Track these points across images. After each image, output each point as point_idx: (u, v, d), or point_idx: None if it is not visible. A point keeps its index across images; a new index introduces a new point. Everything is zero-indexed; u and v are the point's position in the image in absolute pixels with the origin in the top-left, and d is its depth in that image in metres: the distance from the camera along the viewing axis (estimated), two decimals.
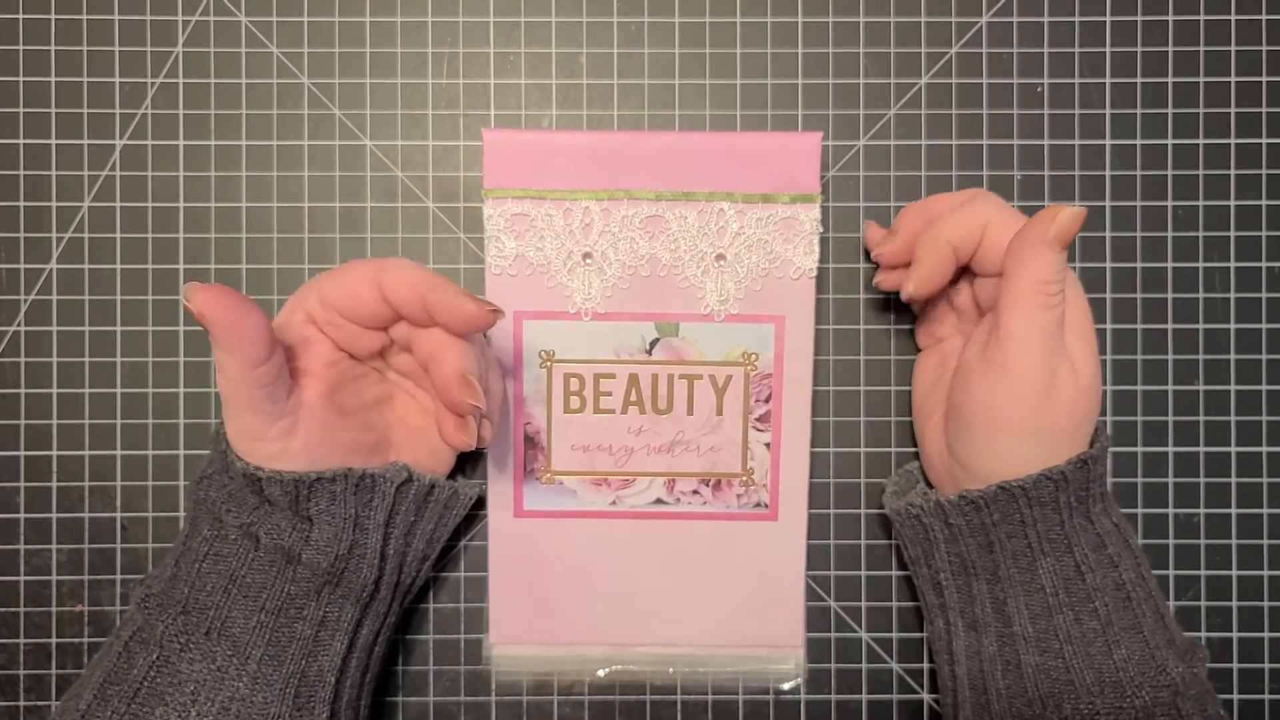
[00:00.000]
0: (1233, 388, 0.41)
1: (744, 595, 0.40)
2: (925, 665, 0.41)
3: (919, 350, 0.40)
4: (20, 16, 0.40)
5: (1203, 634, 0.41)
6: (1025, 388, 0.33)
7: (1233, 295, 0.41)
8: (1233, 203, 0.41)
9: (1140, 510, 0.41)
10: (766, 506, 0.40)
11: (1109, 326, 0.41)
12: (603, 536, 0.40)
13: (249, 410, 0.32)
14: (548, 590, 0.40)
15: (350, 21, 0.40)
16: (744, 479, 0.40)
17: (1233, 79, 0.40)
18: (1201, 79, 0.40)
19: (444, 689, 0.41)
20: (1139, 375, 0.41)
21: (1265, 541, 0.41)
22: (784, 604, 0.40)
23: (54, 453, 0.41)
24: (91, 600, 0.41)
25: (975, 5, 0.40)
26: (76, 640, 0.41)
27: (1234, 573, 0.41)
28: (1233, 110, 0.40)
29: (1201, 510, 0.41)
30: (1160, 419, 0.41)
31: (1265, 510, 0.41)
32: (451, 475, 0.39)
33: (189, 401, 0.41)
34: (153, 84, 0.40)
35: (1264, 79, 0.40)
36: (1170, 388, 0.41)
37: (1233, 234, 0.41)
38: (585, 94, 0.41)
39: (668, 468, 0.39)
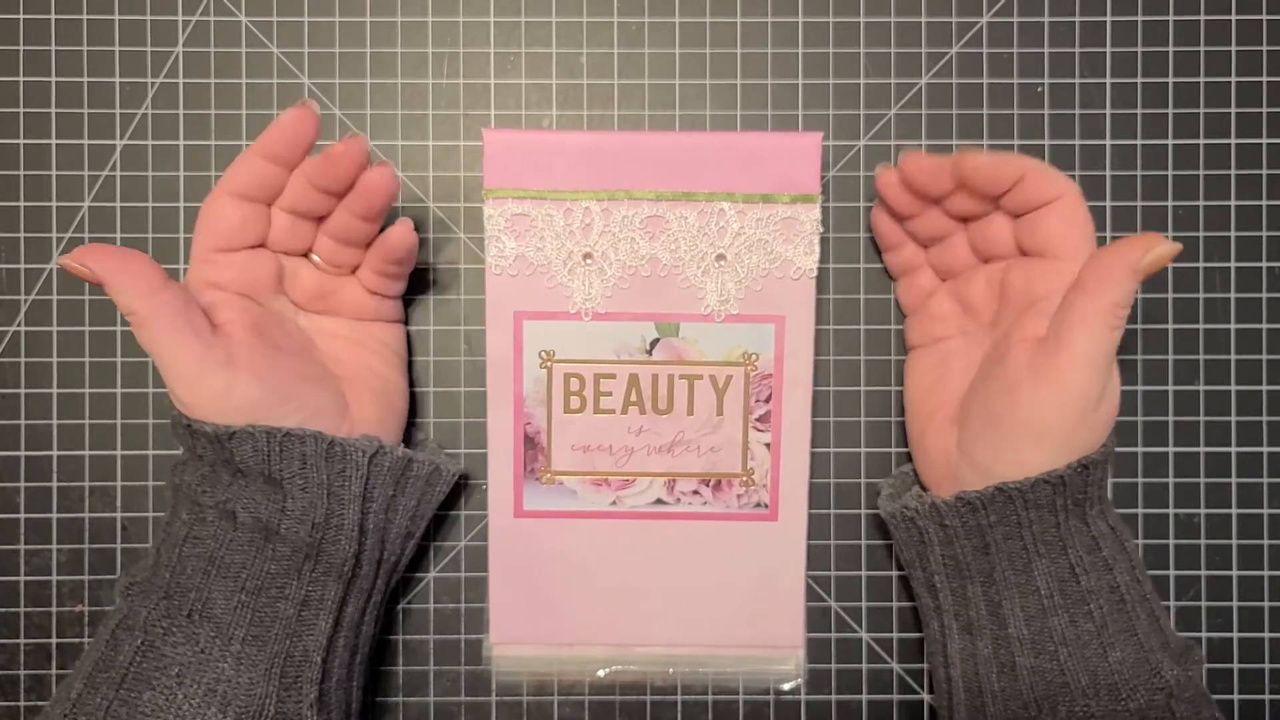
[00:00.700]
0: (1233, 388, 0.41)
1: (744, 595, 0.40)
2: (925, 665, 0.41)
3: (909, 348, 0.40)
4: (20, 17, 0.40)
5: (1203, 634, 0.41)
6: (1079, 405, 0.33)
7: (1233, 295, 0.41)
8: (1233, 203, 0.41)
9: (1140, 510, 0.41)
10: (767, 507, 0.40)
11: None
12: (603, 537, 0.40)
13: (177, 349, 0.32)
14: (548, 590, 0.40)
15: (350, 21, 0.40)
16: (744, 479, 0.40)
17: (1233, 79, 0.40)
18: (1202, 79, 0.40)
19: (444, 689, 0.41)
20: (1139, 375, 0.41)
21: (1265, 542, 0.41)
22: (784, 604, 0.40)
23: (54, 453, 0.41)
24: (92, 600, 0.41)
25: (976, 5, 0.40)
26: (77, 640, 0.41)
27: (1234, 573, 0.41)
28: (1233, 110, 0.40)
29: (1202, 510, 0.41)
30: (1160, 419, 0.41)
31: (1265, 510, 0.41)
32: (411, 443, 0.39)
33: None
34: (153, 84, 0.40)
35: (1264, 79, 0.40)
36: (1170, 388, 0.41)
37: (1233, 234, 0.41)
38: (586, 94, 0.41)
39: (668, 468, 0.39)
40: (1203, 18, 0.40)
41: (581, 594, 0.40)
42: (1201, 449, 0.41)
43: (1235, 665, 0.41)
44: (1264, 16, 0.40)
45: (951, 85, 0.40)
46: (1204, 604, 0.41)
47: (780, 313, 0.39)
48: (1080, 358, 0.32)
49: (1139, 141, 0.41)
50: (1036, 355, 0.34)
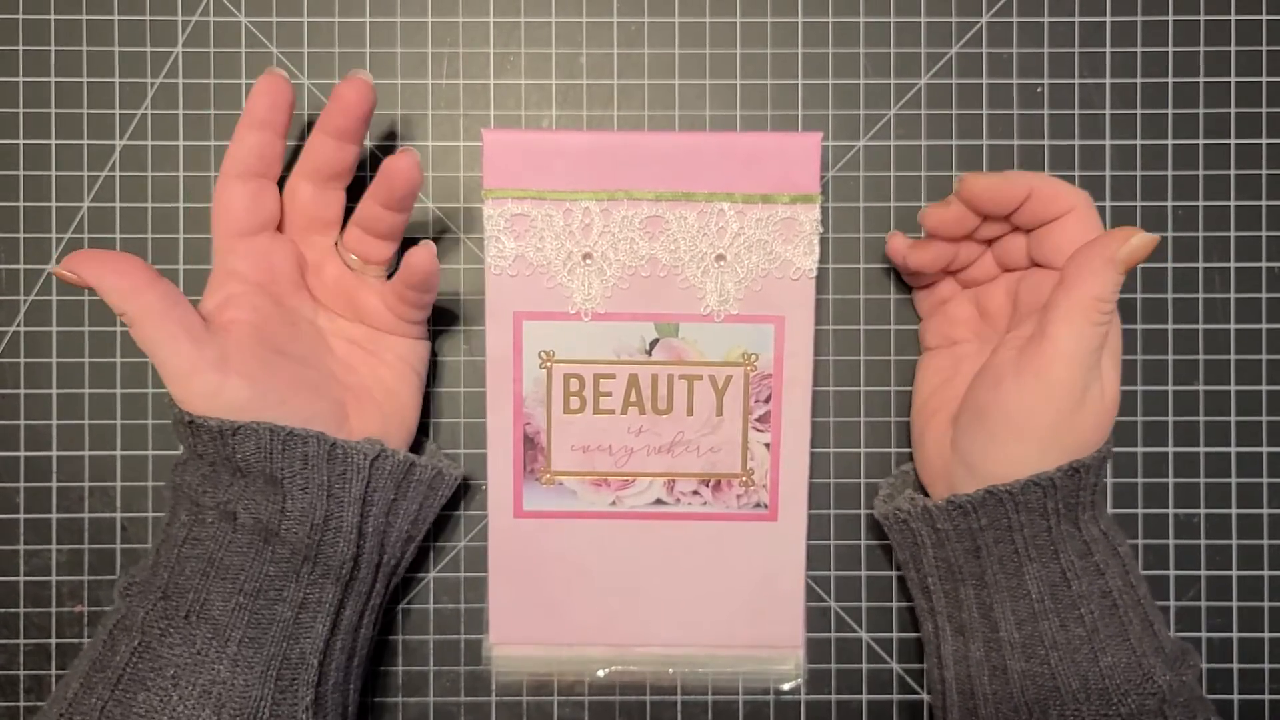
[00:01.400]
0: (1233, 388, 0.41)
1: (744, 595, 0.40)
2: (924, 665, 0.41)
3: (924, 349, 0.40)
4: (20, 17, 0.40)
5: (1203, 634, 0.41)
6: (1058, 398, 0.33)
7: (1233, 295, 0.41)
8: (1233, 203, 0.41)
9: (1140, 510, 0.41)
10: (766, 507, 0.40)
11: None
12: (603, 537, 0.40)
13: (167, 347, 0.32)
14: (548, 591, 0.40)
15: (350, 22, 0.40)
16: (744, 479, 0.40)
17: (1233, 79, 0.40)
18: (1201, 79, 0.40)
19: (444, 689, 0.41)
20: (1139, 375, 0.41)
21: (1265, 542, 0.41)
22: (784, 604, 0.40)
23: (54, 453, 0.41)
24: (91, 601, 0.41)
25: (975, 5, 0.40)
26: (76, 641, 0.41)
27: (1234, 573, 0.41)
28: (1233, 110, 0.40)
29: (1202, 510, 0.41)
30: (1160, 419, 0.41)
31: (1265, 510, 0.41)
32: (415, 448, 0.39)
33: None
34: (152, 84, 0.40)
35: (1264, 79, 0.40)
36: (1170, 388, 0.41)
37: (1233, 234, 0.41)
38: (585, 94, 0.41)
39: (668, 468, 0.39)
40: (1202, 18, 0.40)
41: (581, 594, 0.40)
42: (1201, 449, 0.41)
43: (1235, 665, 0.41)
44: (1264, 16, 0.40)
45: (951, 85, 0.40)
46: (1204, 604, 0.41)
47: (780, 313, 0.39)
48: (1061, 350, 0.32)
49: (1138, 142, 0.41)
50: (1022, 350, 0.34)
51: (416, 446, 0.40)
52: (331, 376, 0.37)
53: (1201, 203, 0.41)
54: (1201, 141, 0.40)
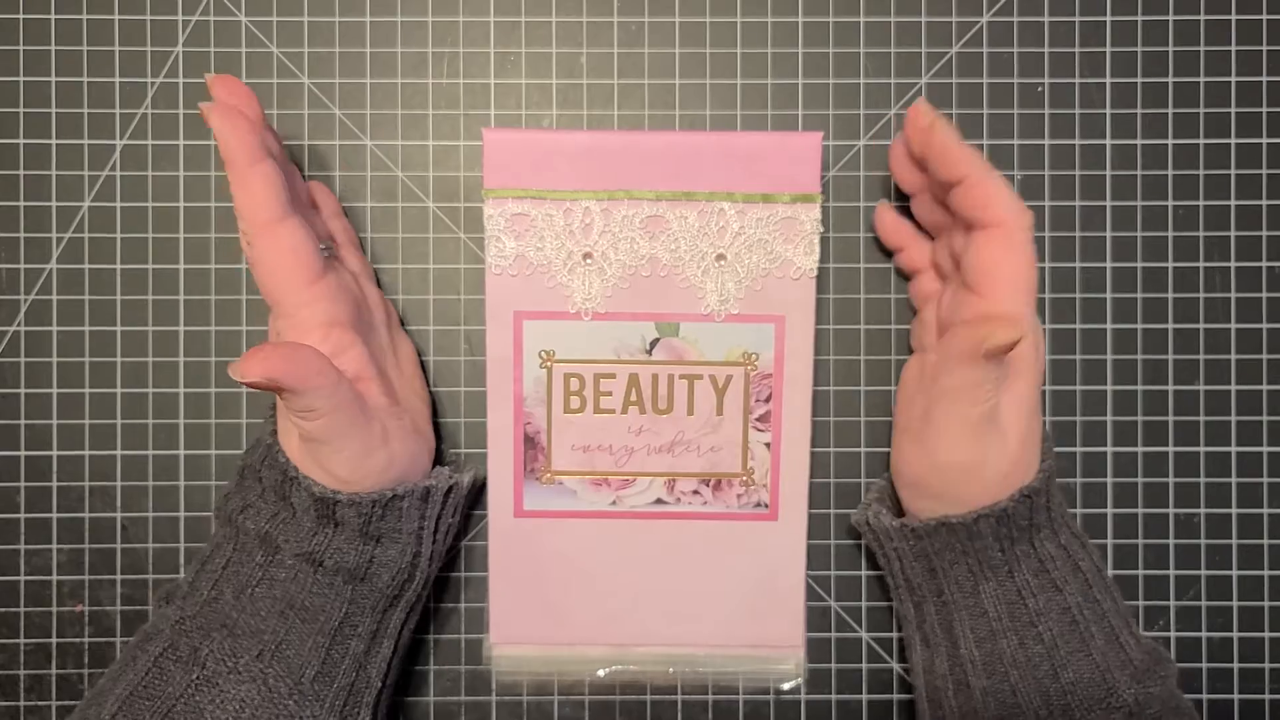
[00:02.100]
0: (1233, 388, 0.41)
1: (744, 595, 0.40)
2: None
3: (911, 351, 0.40)
4: (20, 16, 0.40)
5: (1203, 634, 0.41)
6: (955, 473, 0.33)
7: (1233, 295, 0.41)
8: (1233, 202, 0.41)
9: (1140, 510, 0.41)
10: (767, 506, 0.40)
11: (1109, 326, 0.41)
12: (603, 536, 0.40)
13: (352, 436, 0.31)
14: (548, 590, 0.40)
15: (350, 21, 0.40)
16: (744, 479, 0.39)
17: (1233, 79, 0.40)
18: (1202, 79, 0.40)
19: (444, 689, 0.41)
20: (1139, 375, 0.41)
21: (1266, 541, 0.41)
22: (784, 604, 0.40)
23: (54, 453, 0.41)
24: (92, 600, 0.41)
25: (976, 5, 0.40)
26: (77, 640, 0.41)
27: (1234, 572, 0.41)
28: (1233, 110, 0.40)
29: (1202, 510, 0.41)
30: (1161, 419, 0.41)
31: (1266, 510, 0.41)
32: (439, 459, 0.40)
33: (189, 401, 0.41)
34: (153, 84, 0.40)
35: (1264, 79, 0.40)
36: (1171, 388, 0.41)
37: (1233, 234, 0.41)
38: (586, 94, 0.41)
39: (668, 468, 0.39)
40: (1203, 17, 0.40)
41: (581, 594, 0.40)
42: (1201, 449, 0.41)
43: (1235, 665, 0.41)
44: (1264, 16, 0.40)
45: (952, 85, 0.40)
46: (1204, 604, 0.41)
47: (780, 312, 0.39)
48: (944, 431, 0.33)
49: (1139, 141, 0.41)
50: (922, 419, 0.34)
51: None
52: (398, 394, 0.37)
53: (1202, 202, 0.41)
54: (1202, 141, 0.40)
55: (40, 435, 0.41)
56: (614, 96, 0.41)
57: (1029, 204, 0.40)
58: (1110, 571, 0.40)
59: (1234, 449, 0.41)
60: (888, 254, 0.41)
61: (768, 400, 0.39)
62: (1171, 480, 0.41)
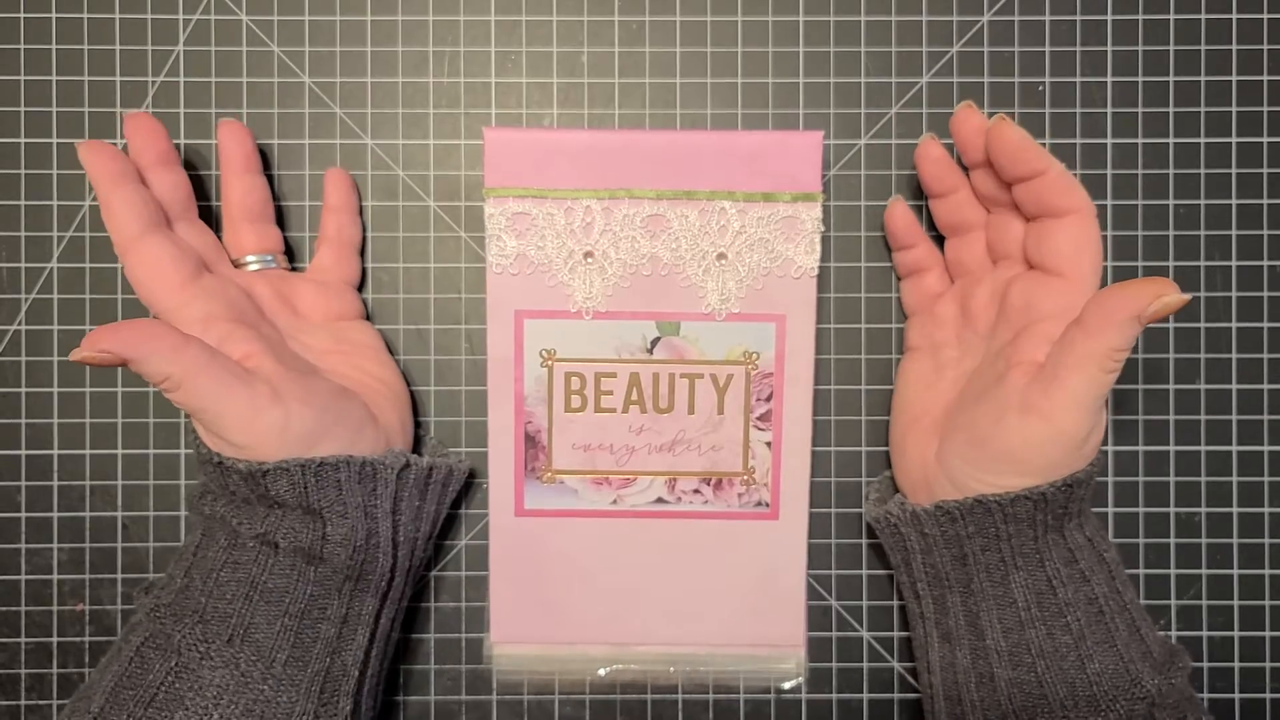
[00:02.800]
0: (1234, 387, 0.41)
1: (745, 594, 0.40)
2: (916, 668, 0.41)
3: (907, 349, 0.40)
4: (21, 16, 0.40)
5: (1204, 633, 0.41)
6: (1065, 442, 0.33)
7: (1234, 294, 0.41)
8: (1234, 201, 0.41)
9: (1141, 509, 0.41)
10: (768, 505, 0.40)
11: None
12: (604, 536, 0.40)
13: (223, 396, 0.31)
14: (549, 589, 0.40)
15: (351, 20, 0.40)
16: (745, 478, 0.39)
17: (1234, 78, 0.40)
18: (1203, 78, 0.40)
19: (445, 688, 0.41)
20: (1140, 374, 0.41)
21: (1266, 540, 0.41)
22: (785, 603, 0.40)
23: (55, 452, 0.41)
24: (93, 599, 0.41)
25: (977, 4, 0.40)
26: (78, 639, 0.41)
27: (1235, 571, 0.41)
28: (1234, 109, 0.40)
29: (1203, 509, 0.41)
30: (1161, 418, 0.41)
31: (1266, 509, 0.41)
32: (416, 448, 0.39)
33: None
34: (154, 83, 0.40)
35: (1265, 78, 0.40)
36: (1171, 387, 0.41)
37: (1234, 233, 0.41)
38: (586, 93, 0.41)
39: (669, 467, 0.39)
40: (1203, 16, 0.40)
41: (582, 593, 0.40)
42: (1202, 447, 0.41)
43: (1236, 664, 0.41)
44: (1264, 15, 0.40)
45: (952, 84, 0.40)
46: (1205, 603, 0.41)
47: (781, 311, 0.38)
48: (1072, 399, 0.32)
49: (1140, 140, 0.41)
50: (1030, 387, 0.33)
51: (417, 441, 0.40)
52: (346, 381, 0.37)
53: (1203, 201, 0.41)
54: (1203, 140, 0.40)
55: (41, 434, 0.41)
56: (615, 95, 0.41)
57: None
58: None
59: (1235, 448, 0.41)
60: (888, 252, 0.41)
61: (769, 399, 0.39)
62: (1173, 479, 0.41)
